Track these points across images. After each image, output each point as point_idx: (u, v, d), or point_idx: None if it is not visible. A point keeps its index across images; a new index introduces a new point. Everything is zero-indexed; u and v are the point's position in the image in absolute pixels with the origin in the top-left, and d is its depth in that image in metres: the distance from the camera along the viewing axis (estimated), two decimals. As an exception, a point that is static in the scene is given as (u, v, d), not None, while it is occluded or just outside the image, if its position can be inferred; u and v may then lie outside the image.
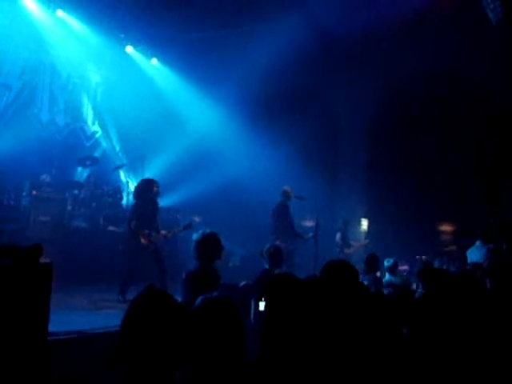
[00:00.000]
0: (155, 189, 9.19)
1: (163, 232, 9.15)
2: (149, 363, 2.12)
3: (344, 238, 12.31)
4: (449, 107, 13.78)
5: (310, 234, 10.62)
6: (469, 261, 8.31)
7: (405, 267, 12.50)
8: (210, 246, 5.75)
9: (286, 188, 10.76)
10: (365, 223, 15.39)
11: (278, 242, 10.00)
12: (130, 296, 7.84)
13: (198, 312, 2.59)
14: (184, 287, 5.59)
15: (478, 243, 8.40)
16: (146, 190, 9.17)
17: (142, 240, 8.79)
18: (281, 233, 10.28)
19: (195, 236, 5.89)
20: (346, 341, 3.09)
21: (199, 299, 2.67)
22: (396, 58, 13.18)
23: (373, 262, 8.52)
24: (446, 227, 13.68)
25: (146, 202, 9.09)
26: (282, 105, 14.33)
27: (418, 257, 12.31)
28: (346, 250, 11.95)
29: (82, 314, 7.18)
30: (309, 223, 12.11)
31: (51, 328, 4.51)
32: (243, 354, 2.56)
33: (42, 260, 4.18)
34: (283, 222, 10.47)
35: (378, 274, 9.47)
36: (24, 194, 11.07)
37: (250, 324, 4.82)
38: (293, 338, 2.68)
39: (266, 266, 6.97)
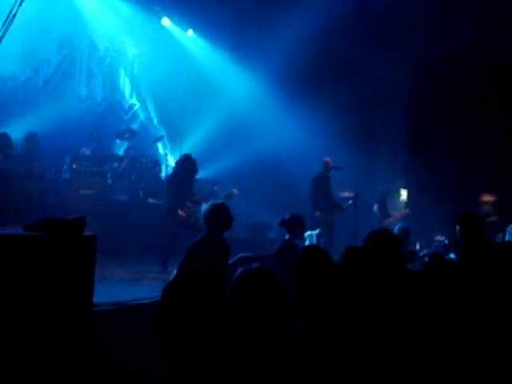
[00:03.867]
0: (195, 164, 9.23)
1: (201, 198, 9.11)
2: (185, 337, 2.14)
3: (382, 208, 12.17)
4: (491, 79, 13.44)
5: (350, 202, 10.52)
6: (507, 238, 8.15)
7: (441, 238, 12.34)
8: (218, 216, 5.69)
9: (326, 159, 10.66)
10: (404, 193, 15.20)
11: (317, 213, 9.98)
12: (171, 267, 7.95)
13: (238, 283, 2.55)
14: (185, 256, 5.60)
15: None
16: (186, 164, 9.21)
17: (181, 212, 8.85)
18: (320, 204, 10.20)
19: (204, 207, 5.86)
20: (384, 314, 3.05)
21: (239, 271, 2.62)
22: (436, 30, 12.88)
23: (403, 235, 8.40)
24: (487, 198, 13.38)
25: (185, 175, 9.13)
26: (319, 75, 14.14)
27: (457, 227, 12.11)
28: (385, 221, 11.82)
29: (124, 286, 7.30)
30: (347, 194, 11.99)
31: (95, 299, 4.59)
32: (284, 326, 2.52)
33: (86, 233, 4.24)
34: (323, 192, 10.39)
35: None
36: (64, 167, 11.22)
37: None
38: (324, 312, 2.64)
39: (286, 237, 6.75)
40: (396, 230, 8.88)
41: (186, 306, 2.18)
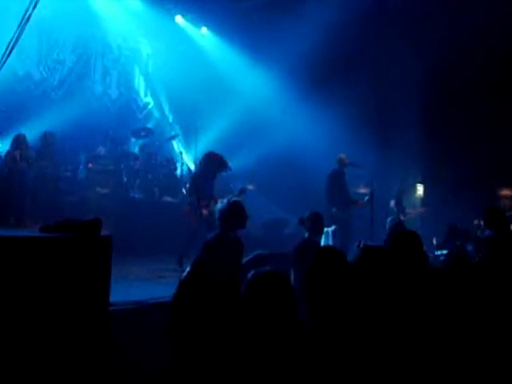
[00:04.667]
0: (216, 162, 9.21)
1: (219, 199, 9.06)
2: (198, 337, 2.15)
3: (399, 205, 12.10)
4: (509, 70, 13.29)
5: (366, 198, 10.46)
6: None
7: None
8: (234, 214, 5.67)
9: (342, 155, 10.61)
10: (420, 189, 15.11)
11: (333, 210, 9.93)
12: (186, 265, 7.95)
13: (249, 287, 2.54)
14: (199, 254, 5.58)
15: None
16: (208, 162, 9.21)
17: (204, 211, 8.82)
18: (335, 200, 10.16)
19: (219, 205, 5.84)
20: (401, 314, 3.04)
21: (251, 273, 2.62)
22: (449, 22, 12.77)
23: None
24: (506, 192, 13.27)
25: (206, 173, 9.11)
26: (334, 71, 14.07)
27: (476, 222, 12.03)
28: (402, 218, 11.74)
29: (140, 284, 7.31)
30: (363, 190, 11.94)
31: (112, 298, 4.61)
32: (294, 327, 2.52)
33: (102, 233, 4.25)
34: (338, 189, 10.33)
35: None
36: (80, 166, 11.30)
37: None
38: (337, 312, 2.63)
39: (306, 235, 6.64)
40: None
41: (199, 303, 2.19)
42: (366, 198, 10.45)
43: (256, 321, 2.42)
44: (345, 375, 2.44)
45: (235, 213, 5.68)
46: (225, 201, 5.90)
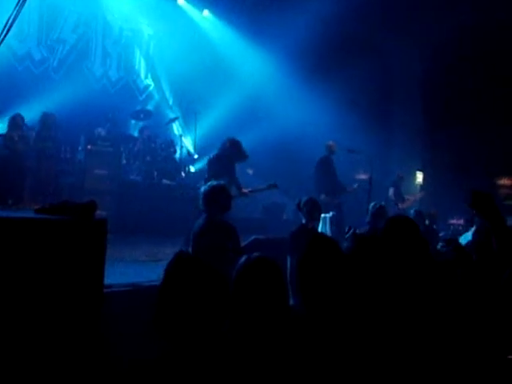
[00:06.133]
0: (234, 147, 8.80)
1: (245, 190, 8.67)
2: (185, 328, 2.13)
3: (397, 192, 12.11)
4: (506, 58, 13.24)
5: (355, 185, 10.50)
6: None
7: (459, 221, 12.25)
8: (218, 197, 5.61)
9: (331, 142, 10.65)
10: (420, 176, 15.11)
11: (322, 196, 9.91)
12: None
13: (239, 274, 2.53)
14: (193, 240, 5.56)
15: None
16: (225, 148, 8.82)
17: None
18: (324, 187, 10.17)
19: (203, 188, 5.79)
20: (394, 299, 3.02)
21: (242, 259, 2.59)
22: (450, 9, 12.69)
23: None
24: (504, 181, 13.28)
25: (224, 159, 8.72)
26: (334, 57, 14.02)
27: (474, 211, 12.01)
28: (400, 205, 11.75)
29: (137, 266, 7.31)
30: (363, 176, 11.94)
31: (108, 280, 4.60)
32: (286, 314, 2.51)
33: (98, 215, 4.24)
34: (326, 176, 10.38)
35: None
36: (79, 148, 11.27)
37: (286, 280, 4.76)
38: (329, 300, 2.62)
39: (303, 221, 6.66)
40: (412, 213, 8.83)
41: (186, 289, 2.18)
42: (356, 184, 10.50)
43: (245, 307, 2.41)
44: (336, 364, 2.44)
45: (218, 195, 5.63)
46: (208, 184, 5.85)
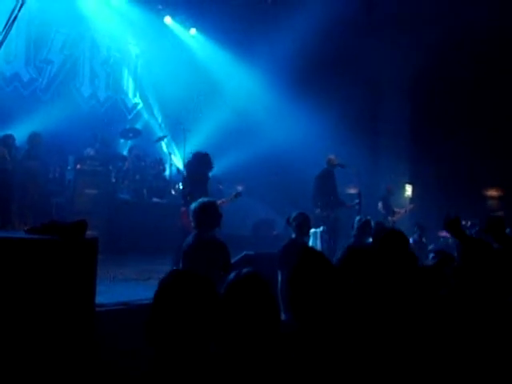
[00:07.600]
0: (208, 162, 8.89)
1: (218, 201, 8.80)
2: (177, 341, 2.15)
3: (387, 205, 12.16)
4: (495, 69, 13.40)
5: (356, 201, 10.45)
6: None
7: (446, 234, 12.29)
8: (208, 214, 5.59)
9: (331, 156, 10.62)
10: (409, 189, 15.20)
11: (317, 211, 9.92)
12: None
13: (228, 289, 2.52)
14: (184, 258, 5.56)
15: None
16: (200, 163, 8.88)
17: None
18: (319, 201, 10.15)
19: (193, 205, 5.79)
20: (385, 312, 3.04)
21: (231, 275, 2.59)
22: (437, 21, 12.86)
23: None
24: (492, 192, 13.39)
25: (200, 174, 8.82)
26: (321, 72, 14.14)
27: (463, 222, 12.09)
28: (390, 218, 11.81)
29: (128, 285, 7.30)
30: (352, 191, 11.98)
31: (98, 299, 4.60)
32: (277, 329, 2.51)
33: (89, 234, 4.25)
34: (325, 190, 10.34)
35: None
36: (69, 167, 11.26)
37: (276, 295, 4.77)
38: (322, 313, 2.64)
39: (293, 236, 6.63)
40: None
41: (178, 306, 2.19)
42: (356, 201, 10.43)
43: (235, 323, 2.42)
44: (330, 379, 2.45)
45: (208, 212, 5.63)
46: (198, 201, 5.85)
